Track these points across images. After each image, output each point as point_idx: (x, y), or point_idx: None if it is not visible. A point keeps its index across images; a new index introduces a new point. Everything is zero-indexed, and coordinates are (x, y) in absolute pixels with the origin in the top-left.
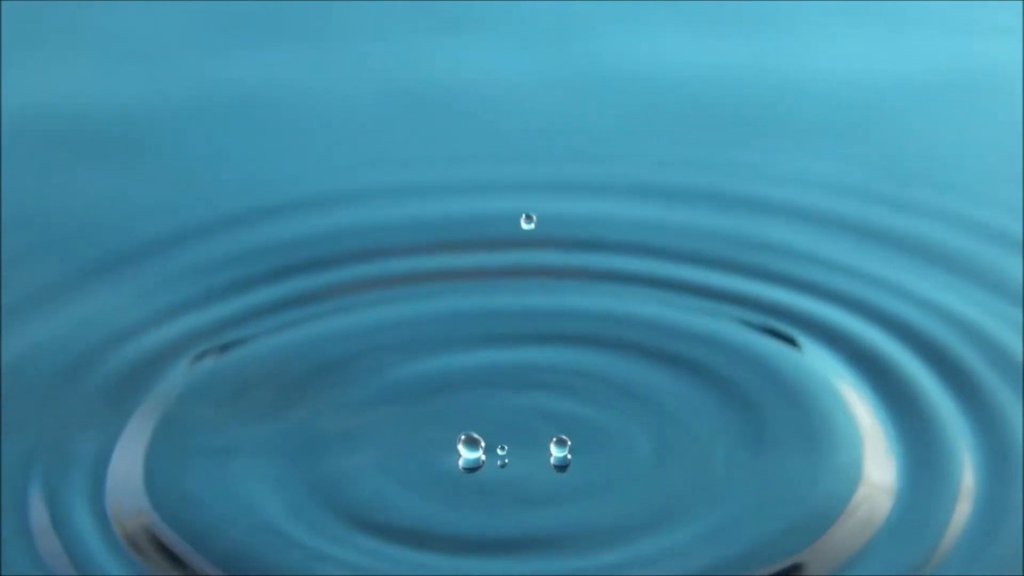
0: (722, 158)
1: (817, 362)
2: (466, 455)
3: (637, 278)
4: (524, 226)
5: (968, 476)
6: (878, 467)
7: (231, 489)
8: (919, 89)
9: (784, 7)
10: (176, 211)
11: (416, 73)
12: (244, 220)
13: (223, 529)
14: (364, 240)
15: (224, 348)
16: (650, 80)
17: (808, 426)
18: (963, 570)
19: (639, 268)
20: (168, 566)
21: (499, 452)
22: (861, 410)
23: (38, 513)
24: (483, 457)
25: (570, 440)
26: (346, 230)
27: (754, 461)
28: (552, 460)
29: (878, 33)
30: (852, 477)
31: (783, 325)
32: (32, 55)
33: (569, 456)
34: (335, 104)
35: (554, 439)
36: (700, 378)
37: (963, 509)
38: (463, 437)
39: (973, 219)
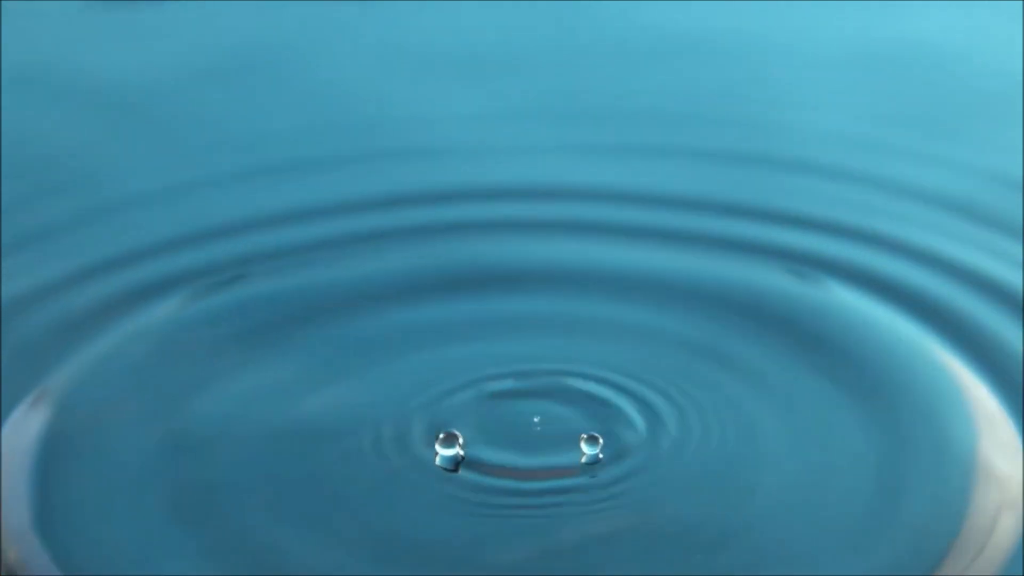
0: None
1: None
2: (443, 452)
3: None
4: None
5: None
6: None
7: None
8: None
9: None
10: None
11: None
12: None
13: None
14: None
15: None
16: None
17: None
18: None
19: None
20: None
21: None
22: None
23: None
24: (462, 453)
25: (602, 439)
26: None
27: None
28: (584, 459)
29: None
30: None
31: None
32: None
33: (601, 455)
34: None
35: (585, 436)
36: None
37: None
38: (441, 435)
39: None
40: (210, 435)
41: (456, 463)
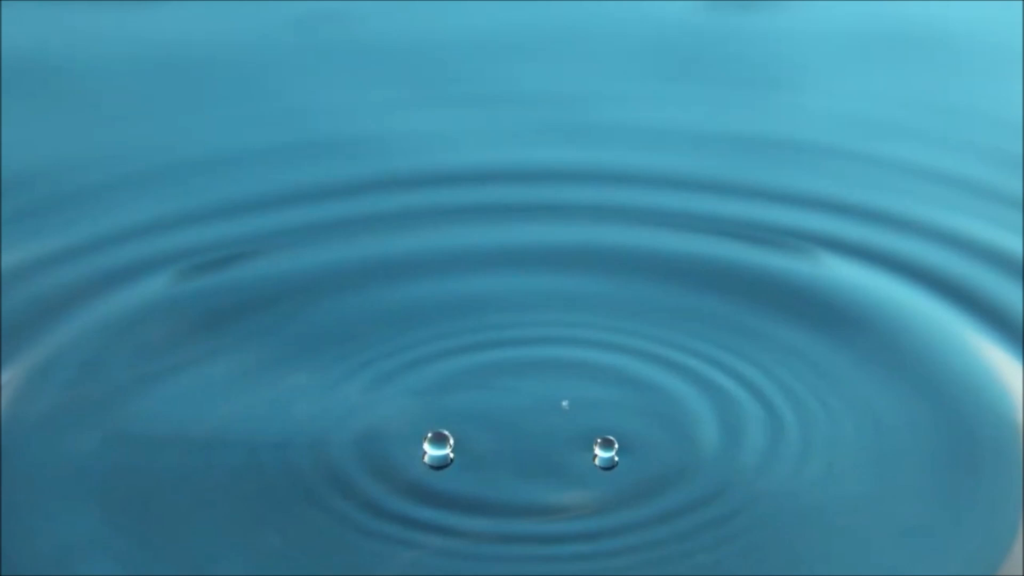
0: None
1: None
2: (432, 452)
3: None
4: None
5: None
6: None
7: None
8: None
9: None
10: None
11: None
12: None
13: None
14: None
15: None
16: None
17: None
18: None
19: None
20: None
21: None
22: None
23: None
24: (451, 455)
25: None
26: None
27: None
28: (598, 462)
29: None
30: None
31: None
32: None
33: (616, 458)
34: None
35: (599, 440)
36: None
37: None
38: (430, 434)
39: None
40: (151, 433)
41: (445, 464)
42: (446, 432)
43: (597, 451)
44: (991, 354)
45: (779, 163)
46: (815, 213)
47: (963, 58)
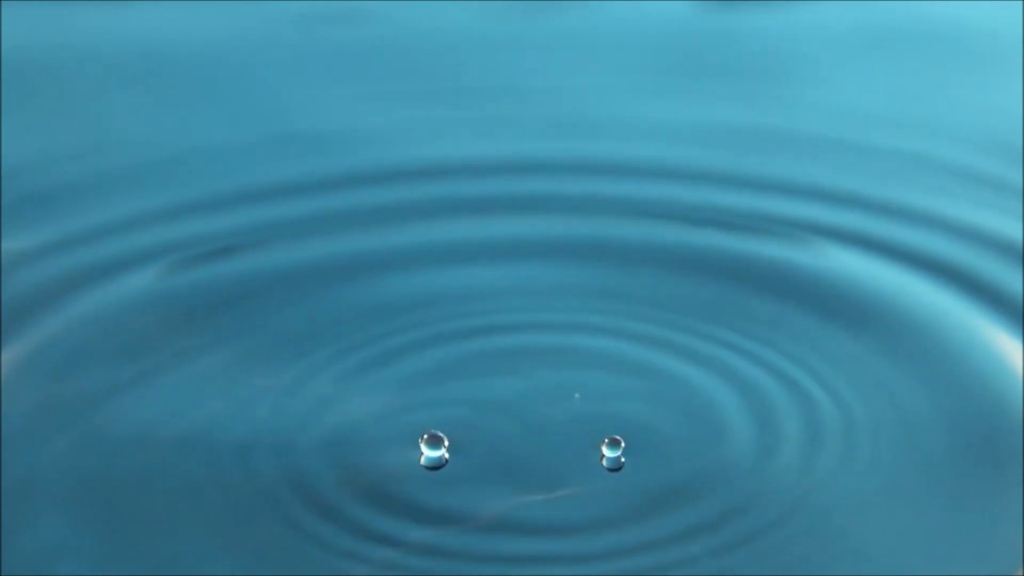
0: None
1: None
2: (428, 453)
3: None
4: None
5: None
6: None
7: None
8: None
9: None
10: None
11: None
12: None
13: None
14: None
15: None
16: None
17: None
18: None
19: None
20: None
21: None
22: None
23: None
24: (446, 455)
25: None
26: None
27: None
28: (604, 462)
29: None
30: None
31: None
32: None
33: (623, 459)
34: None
35: (606, 439)
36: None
37: None
38: (426, 436)
39: None
40: (133, 432)
41: (440, 465)
42: (440, 434)
43: (604, 450)
44: (1002, 342)
45: (785, 155)
46: (821, 204)
47: (966, 54)
